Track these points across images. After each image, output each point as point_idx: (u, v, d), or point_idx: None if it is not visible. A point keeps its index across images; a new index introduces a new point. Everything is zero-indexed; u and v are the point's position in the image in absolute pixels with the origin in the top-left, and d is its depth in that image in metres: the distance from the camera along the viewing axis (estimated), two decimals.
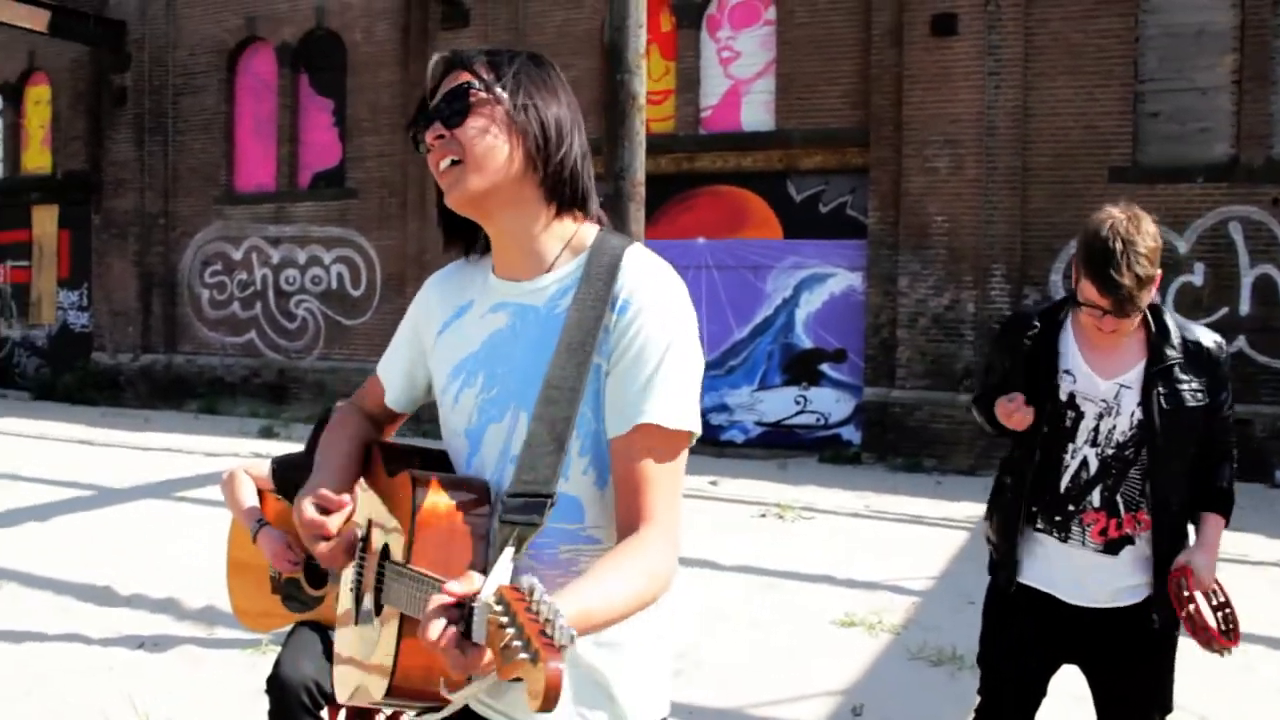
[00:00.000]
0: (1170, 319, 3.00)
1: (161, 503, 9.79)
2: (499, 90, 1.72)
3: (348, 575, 1.90)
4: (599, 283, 1.70)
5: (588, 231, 1.80)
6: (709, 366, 14.59)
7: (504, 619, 1.28)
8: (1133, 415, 2.95)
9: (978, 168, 13.05)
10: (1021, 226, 12.99)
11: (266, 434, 14.68)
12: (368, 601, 1.80)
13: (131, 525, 8.82)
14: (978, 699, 3.33)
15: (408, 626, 1.60)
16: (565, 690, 1.69)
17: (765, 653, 5.63)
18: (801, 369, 14.30)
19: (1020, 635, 3.15)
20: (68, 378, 19.19)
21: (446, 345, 1.86)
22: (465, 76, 1.73)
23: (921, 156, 13.27)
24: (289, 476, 3.76)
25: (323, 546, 1.74)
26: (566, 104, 1.78)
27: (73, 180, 19.58)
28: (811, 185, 14.27)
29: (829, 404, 14.17)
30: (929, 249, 13.29)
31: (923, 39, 13.23)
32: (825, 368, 14.19)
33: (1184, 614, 2.93)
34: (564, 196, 1.77)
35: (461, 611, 1.39)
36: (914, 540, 8.64)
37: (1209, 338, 3.01)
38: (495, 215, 1.76)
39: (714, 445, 14.37)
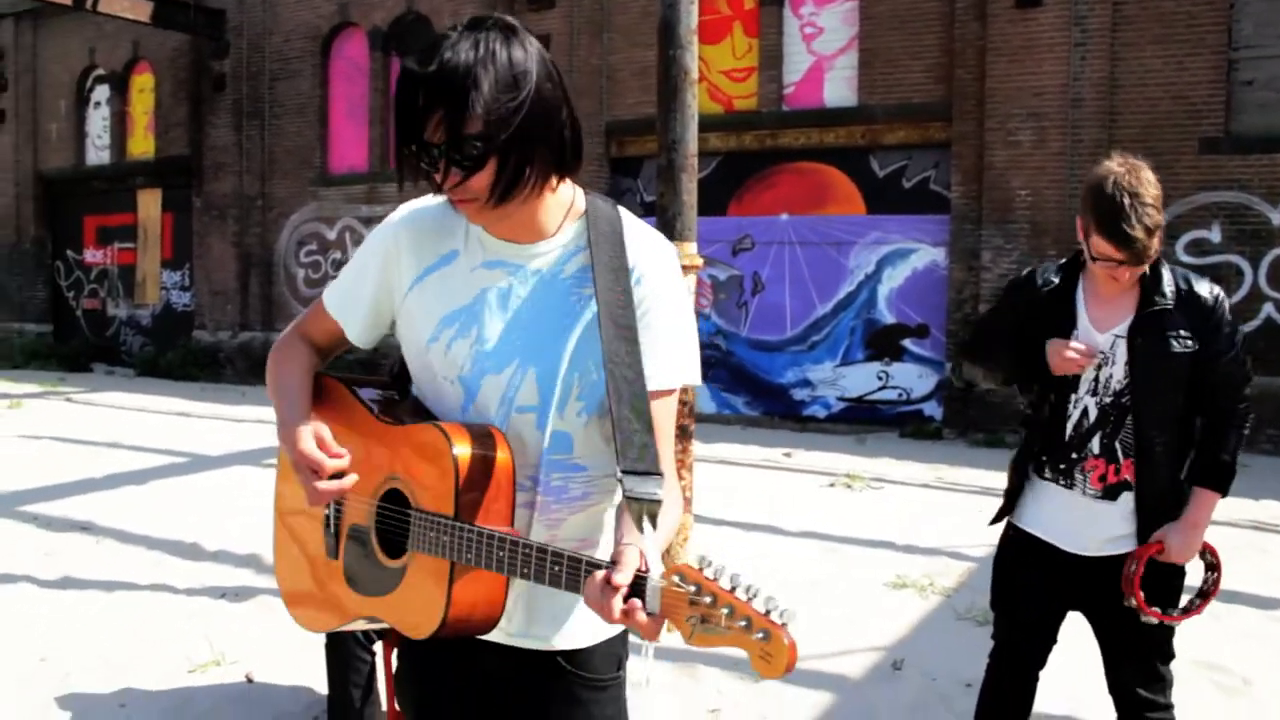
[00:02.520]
0: (1166, 269, 3.07)
1: (251, 469, 10.17)
2: (503, 137, 1.67)
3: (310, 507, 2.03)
4: (612, 255, 1.85)
5: (579, 195, 1.91)
6: (792, 342, 14.66)
7: (705, 598, 1.51)
8: (1125, 364, 3.03)
9: (1062, 141, 12.88)
10: None
11: None
12: (357, 538, 1.95)
13: (222, 489, 9.20)
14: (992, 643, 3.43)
15: (460, 572, 1.78)
16: (535, 602, 1.92)
17: (817, 612, 5.73)
18: (884, 345, 14.27)
19: (1027, 582, 3.26)
20: (170, 355, 19.90)
21: (430, 293, 1.90)
22: (475, 124, 1.64)
23: (1005, 130, 13.14)
24: None
25: (320, 485, 1.85)
26: (547, 74, 1.72)
27: (174, 165, 20.26)
28: (894, 160, 14.21)
29: (911, 379, 14.12)
30: (1012, 223, 13.16)
31: (1006, 11, 13.08)
32: (908, 343, 14.14)
33: (1127, 597, 3.01)
34: (566, 166, 1.83)
35: (634, 588, 1.59)
36: (978, 510, 8.61)
37: (1206, 287, 3.06)
38: (509, 211, 1.79)
39: (796, 420, 14.43)
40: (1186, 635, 3.88)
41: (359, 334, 1.99)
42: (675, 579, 1.54)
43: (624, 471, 1.71)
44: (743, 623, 1.48)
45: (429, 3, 17.47)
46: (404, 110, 1.68)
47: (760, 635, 1.46)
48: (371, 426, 1.96)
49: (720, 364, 15.14)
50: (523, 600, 1.92)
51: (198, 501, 8.66)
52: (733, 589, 1.50)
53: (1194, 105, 12.48)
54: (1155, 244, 2.92)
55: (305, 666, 4.83)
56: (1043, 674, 3.38)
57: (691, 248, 5.50)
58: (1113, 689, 3.21)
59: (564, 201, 1.88)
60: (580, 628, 1.95)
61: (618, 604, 1.57)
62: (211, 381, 18.95)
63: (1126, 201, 2.88)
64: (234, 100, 19.36)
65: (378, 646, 3.94)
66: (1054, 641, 3.30)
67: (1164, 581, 3.06)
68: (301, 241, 19.07)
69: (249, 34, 19.22)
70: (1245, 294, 12.28)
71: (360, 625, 2.01)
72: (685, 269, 5.49)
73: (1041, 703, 3.51)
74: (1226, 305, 3.06)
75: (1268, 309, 12.22)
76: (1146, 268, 3.00)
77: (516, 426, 1.86)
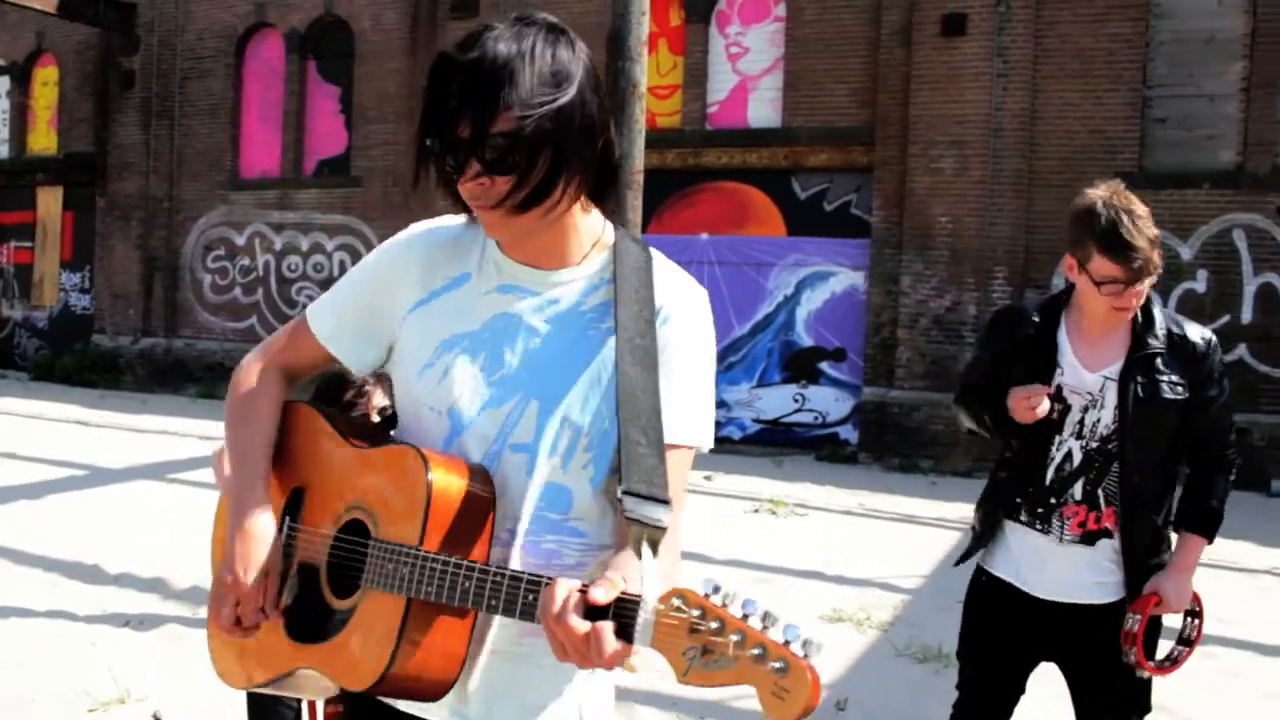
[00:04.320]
0: (1159, 311, 2.98)
1: (155, 484, 9.77)
2: (536, 137, 1.52)
3: (259, 540, 1.81)
4: (639, 293, 1.67)
5: (609, 229, 1.75)
6: None
7: (710, 624, 1.29)
8: (1115, 408, 2.93)
9: (983, 169, 13.02)
10: (1025, 229, 12.95)
11: None
12: (302, 578, 1.74)
13: (124, 506, 8.80)
14: (957, 693, 3.32)
15: (416, 614, 1.56)
16: (499, 684, 1.70)
17: None
18: (801, 367, 14.27)
19: (998, 630, 3.14)
20: (67, 359, 19.20)
21: (435, 314, 1.73)
22: (507, 120, 1.50)
23: (927, 157, 13.24)
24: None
25: (224, 611, 1.71)
26: (593, 85, 1.60)
27: (78, 162, 19.59)
28: (816, 183, 14.24)
29: (827, 403, 14.14)
30: (932, 249, 13.25)
31: (932, 39, 13.19)
32: (825, 366, 14.16)
33: (1126, 653, 2.92)
34: (600, 190, 1.71)
35: (612, 613, 1.38)
36: (906, 539, 8.61)
37: (1197, 332, 2.98)
38: (535, 237, 1.66)
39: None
40: None
41: (352, 358, 1.81)
42: (675, 602, 1.32)
43: (625, 492, 1.51)
44: (756, 651, 1.26)
45: (348, 6, 17.13)
46: (434, 100, 1.54)
47: (776, 666, 1.25)
48: (336, 448, 1.76)
49: None
50: (485, 679, 1.68)
51: (98, 519, 8.27)
52: (745, 616, 1.29)
53: (1110, 140, 12.70)
54: (1157, 258, 2.84)
55: (219, 705, 4.55)
56: None
57: None
58: None
59: (594, 231, 1.72)
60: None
61: (576, 623, 1.36)
62: (111, 389, 18.30)
63: (1124, 217, 2.81)
64: (143, 98, 18.75)
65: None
66: (1022, 692, 3.19)
67: (1147, 634, 2.97)
68: (209, 246, 18.54)
69: (160, 30, 18.65)
70: None
71: (288, 689, 1.76)
72: None
73: None
74: (1219, 352, 2.99)
75: None
76: (1139, 306, 2.91)
77: (507, 468, 1.66)
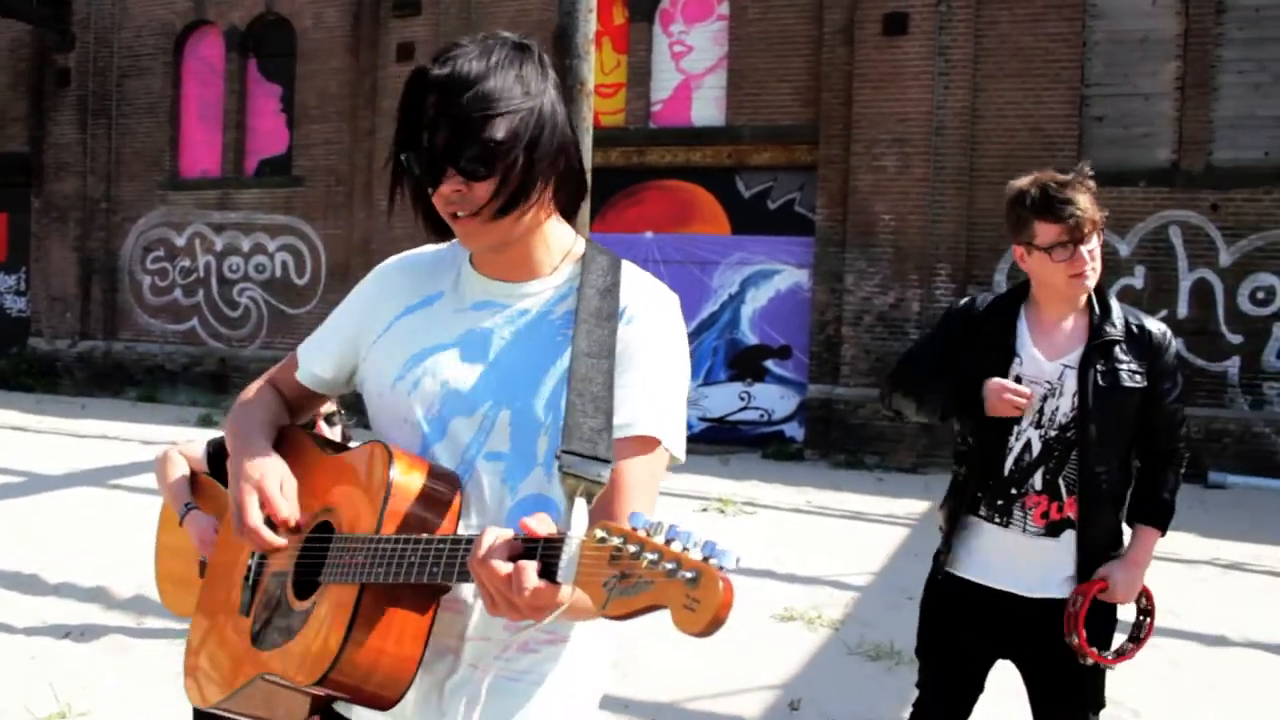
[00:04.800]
0: (1115, 303, 3.04)
1: (95, 490, 9.61)
2: (527, 145, 1.59)
3: (237, 555, 1.82)
4: (603, 295, 1.68)
5: (580, 242, 1.78)
6: None
7: (631, 547, 1.25)
8: (1074, 395, 2.96)
9: (925, 167, 13.13)
10: (967, 226, 13.08)
11: (206, 423, 14.47)
12: (271, 587, 1.73)
13: (63, 513, 8.64)
14: (916, 692, 3.33)
15: (369, 601, 1.54)
16: (489, 696, 1.68)
17: (704, 648, 5.60)
18: (746, 365, 14.33)
19: (955, 628, 3.15)
20: (3, 363, 18.80)
21: (407, 330, 1.77)
22: (484, 127, 1.56)
23: (870, 155, 13.33)
24: (225, 459, 3.66)
25: (261, 525, 1.66)
26: (558, 97, 1.67)
27: (12, 162, 19.18)
28: (760, 182, 14.29)
29: (773, 400, 14.21)
30: (875, 247, 13.34)
31: (874, 38, 13.29)
32: (770, 364, 14.23)
33: (1068, 634, 2.94)
34: (570, 203, 1.75)
35: (537, 550, 1.36)
36: (855, 536, 8.66)
37: (1155, 325, 3.04)
38: (510, 249, 1.70)
39: None
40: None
41: (318, 376, 1.88)
42: (598, 534, 1.29)
43: (563, 452, 1.50)
44: (669, 566, 1.21)
45: (290, 4, 16.93)
46: (409, 115, 1.60)
47: (687, 576, 1.20)
48: (315, 460, 1.78)
49: None
50: (463, 694, 1.67)
51: (37, 526, 8.11)
52: (668, 541, 1.24)
53: (1049, 138, 12.86)
54: (1097, 215, 2.89)
55: (163, 717, 4.48)
56: None
57: None
58: None
59: (564, 243, 1.76)
60: None
61: (499, 564, 1.35)
62: (48, 392, 17.95)
63: (1052, 184, 2.90)
64: (79, 96, 18.40)
65: None
66: (980, 690, 3.20)
67: (1097, 625, 2.99)
68: (148, 247, 18.25)
69: (96, 27, 18.32)
70: None
71: (252, 708, 1.73)
72: None
73: None
74: (1175, 344, 3.03)
75: None
76: (1095, 292, 2.96)
77: (482, 477, 1.66)
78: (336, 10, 16.51)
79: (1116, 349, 2.95)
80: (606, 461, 1.53)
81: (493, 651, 1.68)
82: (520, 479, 1.67)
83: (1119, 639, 3.10)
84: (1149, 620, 3.12)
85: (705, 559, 1.21)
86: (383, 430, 1.76)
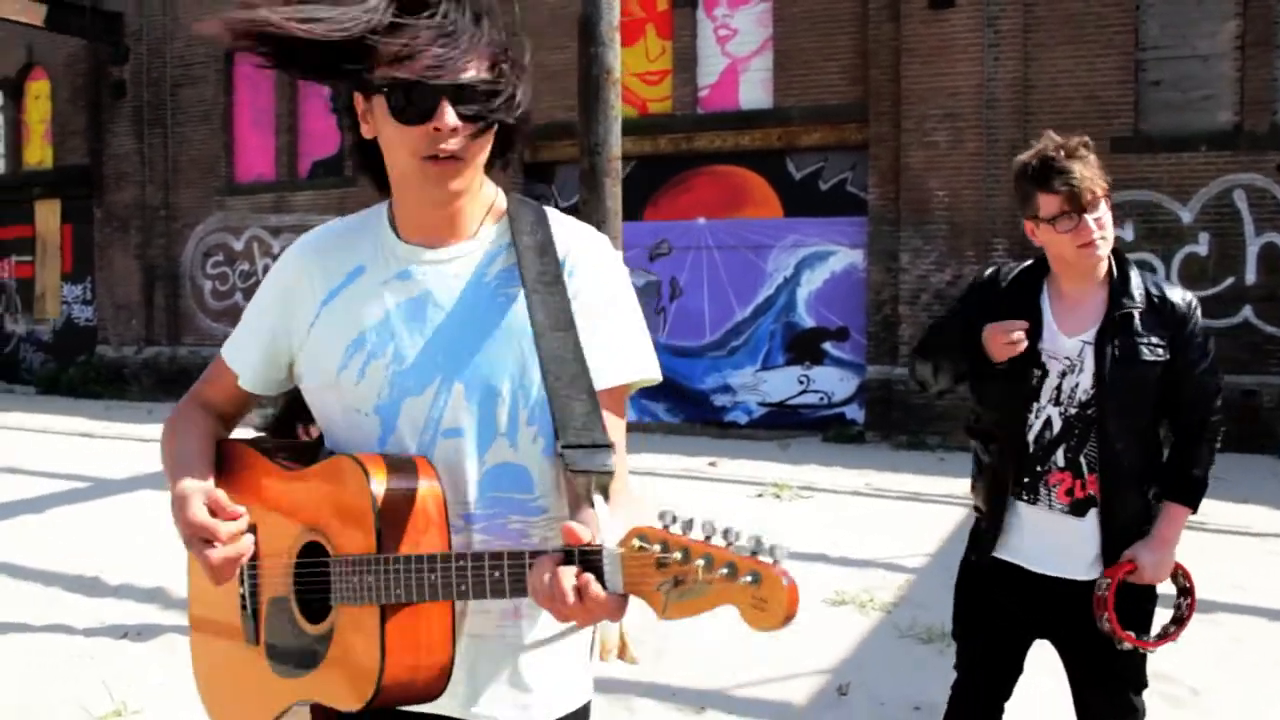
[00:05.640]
0: (1135, 273, 2.93)
1: (157, 493, 9.73)
2: (518, 90, 1.62)
3: (225, 588, 1.76)
4: (540, 251, 1.66)
5: (501, 195, 1.74)
6: (712, 348, 14.52)
7: (674, 555, 1.27)
8: (1093, 372, 2.86)
9: (978, 141, 12.92)
10: None
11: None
12: (273, 613, 1.71)
13: (126, 516, 8.78)
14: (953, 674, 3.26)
15: (393, 619, 1.53)
16: (480, 669, 1.66)
17: (748, 633, 5.55)
18: (804, 348, 14.20)
19: (991, 610, 3.08)
20: (72, 372, 19.21)
21: (337, 316, 1.70)
22: (483, 65, 1.58)
23: (921, 131, 13.14)
24: None
25: (213, 554, 1.60)
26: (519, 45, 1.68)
27: (74, 174, 19.59)
28: (811, 163, 14.16)
29: (832, 383, 14.08)
30: (930, 224, 13.16)
31: (920, 12, 13.08)
32: (828, 346, 14.10)
33: (1100, 620, 2.84)
34: (511, 157, 1.73)
35: (578, 561, 1.37)
36: (911, 518, 8.54)
37: (1178, 294, 2.92)
38: (472, 181, 1.66)
39: (717, 426, 14.30)
40: None
41: (252, 379, 1.81)
42: (636, 542, 1.30)
43: (565, 447, 1.51)
44: (725, 570, 1.23)
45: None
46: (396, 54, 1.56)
47: (749, 579, 1.22)
48: (280, 480, 1.72)
49: None
50: (467, 665, 1.65)
51: (100, 530, 8.25)
52: (707, 538, 1.26)
53: (1104, 105, 12.59)
54: (1101, 186, 2.80)
55: None
56: (1010, 704, 3.20)
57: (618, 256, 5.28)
58: None
59: (485, 200, 1.71)
60: (540, 702, 1.70)
61: (568, 581, 1.34)
62: (116, 399, 18.29)
63: (1053, 153, 2.82)
64: (134, 107, 18.72)
65: None
66: (1020, 671, 3.13)
67: (1136, 605, 2.89)
68: (208, 253, 18.53)
69: (149, 39, 18.61)
70: None
71: None
72: None
73: None
74: (1199, 313, 2.92)
75: None
76: (1116, 262, 2.87)
77: (445, 454, 1.62)
78: None
79: (1135, 322, 2.85)
80: (608, 447, 1.52)
81: (494, 622, 1.67)
82: (484, 451, 1.63)
83: (1162, 620, 3.00)
84: (1190, 600, 3.02)
85: (754, 554, 1.23)
86: (335, 423, 1.71)
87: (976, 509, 3.15)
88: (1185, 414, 2.92)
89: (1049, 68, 12.76)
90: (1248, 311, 12.18)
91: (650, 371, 1.71)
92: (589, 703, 1.78)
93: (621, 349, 1.67)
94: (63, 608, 6.23)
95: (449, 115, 1.54)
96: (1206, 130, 12.36)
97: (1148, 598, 2.95)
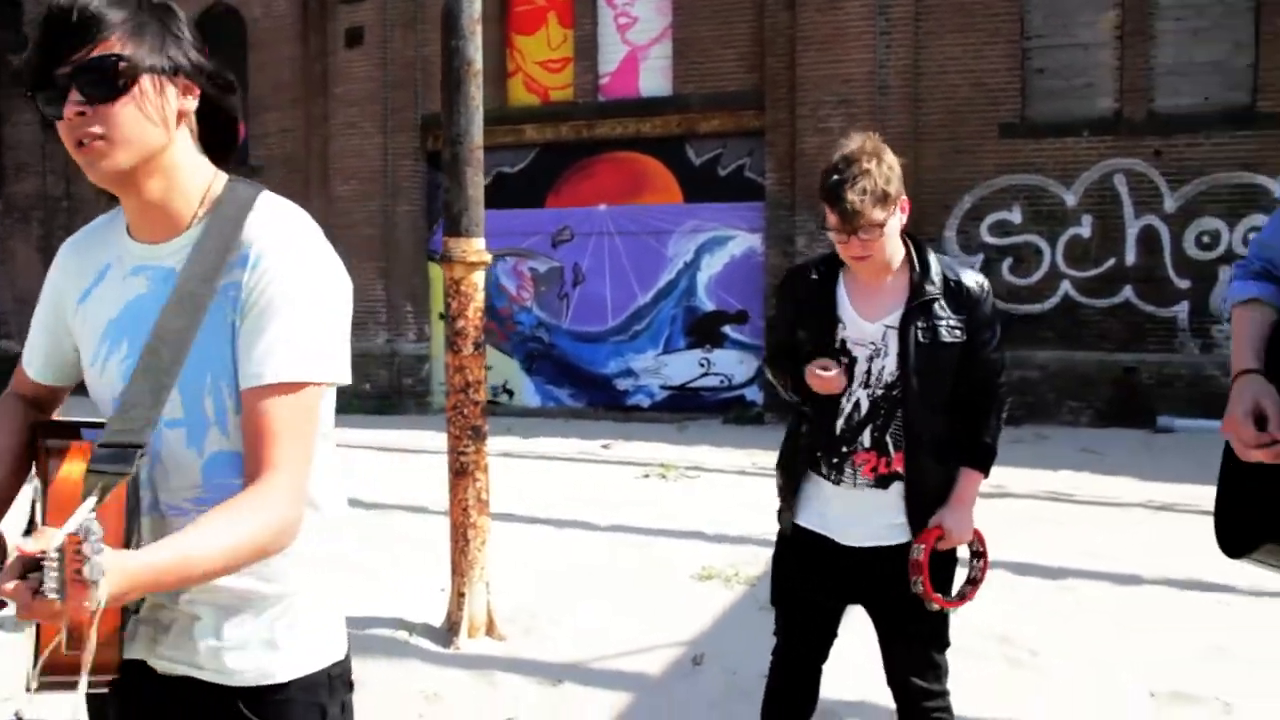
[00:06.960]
0: (934, 258, 3.10)
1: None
2: (151, 59, 1.65)
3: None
4: (223, 233, 1.70)
5: (220, 183, 1.78)
6: (614, 332, 14.67)
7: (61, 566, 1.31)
8: (897, 354, 3.05)
9: (871, 127, 12.84)
10: (913, 184, 13.07)
11: None
12: None
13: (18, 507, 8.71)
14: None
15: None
16: (220, 632, 1.74)
17: (620, 608, 5.73)
18: (705, 332, 14.43)
19: (804, 578, 3.26)
20: None
21: (90, 312, 1.80)
22: (109, 45, 1.61)
23: (815, 117, 13.39)
24: None
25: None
26: (185, 26, 1.75)
27: None
28: (709, 149, 14.36)
29: (732, 365, 14.31)
30: None
31: (815, 0, 13.31)
32: (728, 330, 14.33)
33: (914, 583, 3.04)
34: (217, 148, 1.79)
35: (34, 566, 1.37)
36: None
37: (971, 277, 3.10)
38: (142, 185, 1.70)
39: (620, 410, 14.48)
40: (979, 607, 3.98)
41: (39, 370, 1.90)
42: (55, 550, 1.32)
43: (100, 445, 1.57)
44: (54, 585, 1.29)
45: None
46: (36, 55, 1.63)
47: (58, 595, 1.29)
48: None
49: (543, 356, 15.13)
50: (171, 629, 1.73)
51: None
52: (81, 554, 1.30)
53: (992, 92, 12.94)
54: (876, 213, 2.89)
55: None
56: (835, 665, 3.39)
57: (479, 244, 5.36)
58: (890, 679, 3.23)
59: (200, 190, 1.77)
60: (252, 660, 1.75)
61: (8, 586, 1.36)
62: None
63: (849, 170, 2.89)
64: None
65: None
66: (834, 636, 3.31)
67: (941, 569, 3.11)
68: None
69: None
70: (1044, 273, 12.85)
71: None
72: (473, 265, 5.38)
73: (832, 690, 3.54)
74: (992, 295, 3.12)
75: (1064, 286, 12.79)
76: (883, 243, 2.97)
77: (169, 444, 1.71)
78: None
79: (936, 305, 3.03)
80: (139, 447, 1.59)
81: (211, 595, 1.72)
82: (202, 440, 1.71)
83: (959, 583, 3.22)
84: (983, 562, 3.25)
85: (77, 571, 1.29)
86: (99, 411, 1.80)
87: (778, 486, 3.34)
88: (976, 389, 3.13)
89: (938, 55, 13.08)
90: (1128, 291, 12.61)
91: (320, 372, 1.69)
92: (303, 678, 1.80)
93: (287, 349, 1.66)
94: None
95: (70, 106, 1.61)
96: (1088, 116, 12.77)
97: (949, 561, 3.17)
